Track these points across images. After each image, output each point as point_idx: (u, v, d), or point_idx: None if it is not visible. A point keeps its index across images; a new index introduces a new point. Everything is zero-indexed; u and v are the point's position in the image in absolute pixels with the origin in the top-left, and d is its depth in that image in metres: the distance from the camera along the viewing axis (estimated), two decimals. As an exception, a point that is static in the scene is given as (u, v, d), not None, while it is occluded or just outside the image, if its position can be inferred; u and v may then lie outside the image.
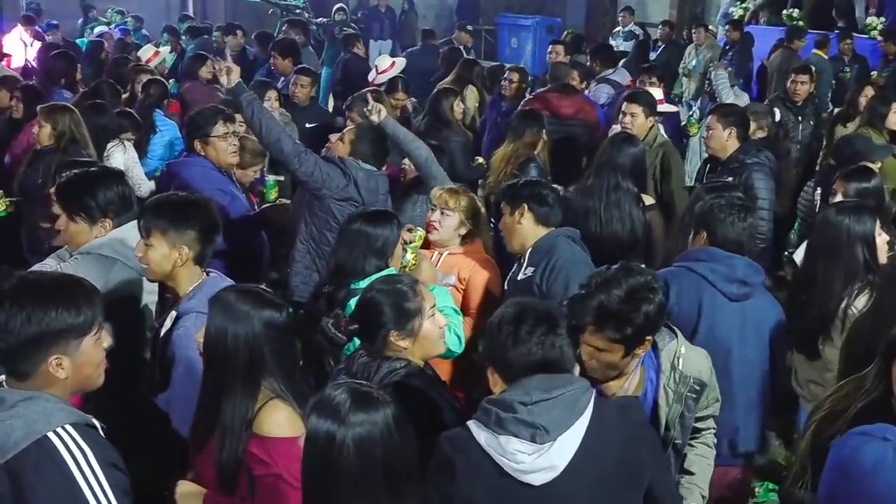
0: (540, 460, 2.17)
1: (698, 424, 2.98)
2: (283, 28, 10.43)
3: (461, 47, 10.16)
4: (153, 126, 6.39)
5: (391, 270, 3.49)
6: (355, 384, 2.19)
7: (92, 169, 3.56)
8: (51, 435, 2.04)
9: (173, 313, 3.00)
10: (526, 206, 3.74)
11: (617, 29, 14.18)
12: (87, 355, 2.18)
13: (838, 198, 4.20)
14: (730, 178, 4.82)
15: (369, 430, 2.03)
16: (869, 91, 7.04)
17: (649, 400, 2.81)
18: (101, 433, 2.18)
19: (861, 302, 3.41)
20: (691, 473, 2.97)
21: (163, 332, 3.01)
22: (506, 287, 3.95)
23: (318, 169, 4.26)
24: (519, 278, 3.78)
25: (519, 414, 2.19)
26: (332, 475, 2.03)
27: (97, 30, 12.53)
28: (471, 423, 2.27)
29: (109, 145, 5.57)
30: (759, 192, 4.86)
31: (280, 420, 2.46)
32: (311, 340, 3.60)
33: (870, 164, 4.98)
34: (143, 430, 3.07)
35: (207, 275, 3.10)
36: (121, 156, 5.58)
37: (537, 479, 2.18)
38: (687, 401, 2.82)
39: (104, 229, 3.30)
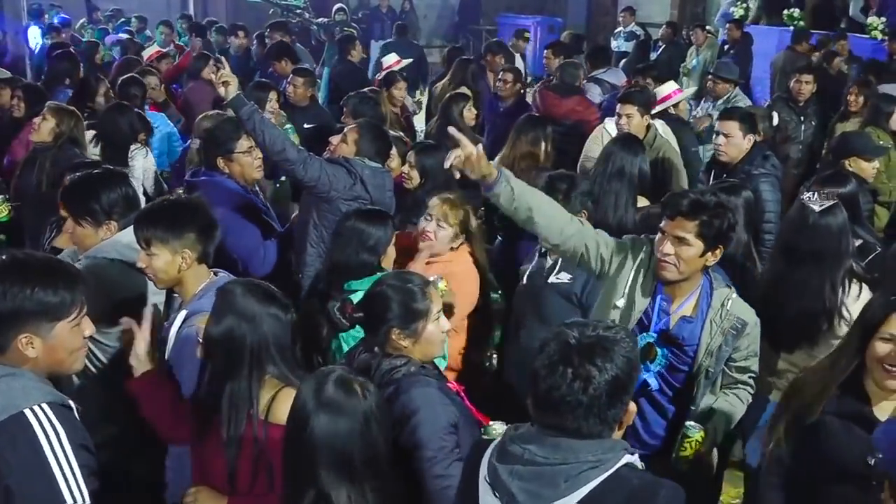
0: None
1: (735, 374, 3.29)
2: (268, 32, 10.38)
3: (517, 55, 9.86)
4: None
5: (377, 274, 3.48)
6: (348, 372, 2.33)
7: (95, 171, 3.56)
8: (27, 411, 2.09)
9: (183, 312, 3.02)
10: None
11: (618, 29, 14.18)
12: (61, 339, 2.21)
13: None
14: None
15: (336, 416, 2.19)
16: (855, 90, 7.05)
17: (698, 327, 3.19)
18: (76, 415, 2.22)
19: (854, 291, 3.50)
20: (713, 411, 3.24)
21: (172, 330, 3.03)
22: (525, 281, 3.88)
23: (323, 172, 4.22)
24: (550, 280, 3.73)
25: (503, 470, 2.05)
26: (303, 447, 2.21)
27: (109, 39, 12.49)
28: (492, 445, 2.16)
29: (133, 148, 5.60)
30: (767, 204, 4.84)
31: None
32: (307, 337, 3.63)
33: (863, 162, 5.00)
34: (150, 430, 3.08)
35: (216, 275, 3.13)
36: (142, 159, 5.64)
37: None
38: (727, 335, 3.17)
39: (110, 231, 3.31)
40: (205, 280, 3.07)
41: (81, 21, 13.91)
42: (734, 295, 3.22)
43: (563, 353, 2.01)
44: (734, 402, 3.30)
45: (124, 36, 11.95)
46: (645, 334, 3.20)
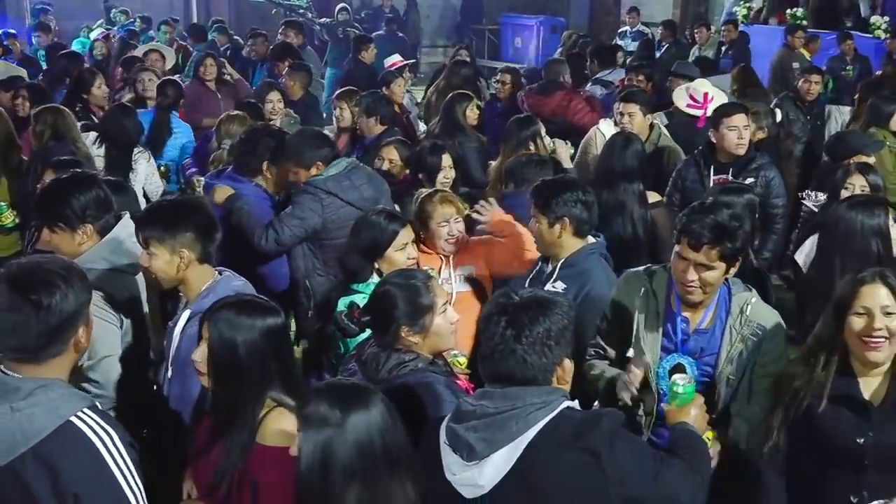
0: (467, 476, 2.21)
1: (763, 383, 3.07)
2: (281, 30, 10.44)
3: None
4: (169, 127, 6.45)
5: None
6: (338, 384, 2.32)
7: (64, 176, 3.49)
8: (74, 419, 2.08)
9: (187, 312, 3.02)
10: (567, 220, 3.57)
11: (624, 29, 14.15)
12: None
13: (856, 191, 4.20)
14: (750, 180, 4.83)
15: (367, 426, 2.13)
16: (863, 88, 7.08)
17: (717, 336, 3.13)
18: None
19: None
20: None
21: (176, 330, 3.03)
22: (527, 284, 3.77)
23: (297, 229, 4.23)
24: (546, 288, 3.58)
25: (459, 428, 2.22)
26: (330, 478, 2.11)
27: (94, 32, 12.51)
28: (448, 416, 2.32)
29: (136, 151, 5.63)
30: (775, 188, 4.96)
31: (283, 429, 2.44)
32: (315, 339, 3.63)
33: (866, 159, 5.01)
34: (152, 431, 3.08)
35: (220, 274, 3.12)
36: (145, 163, 5.67)
37: (466, 493, 2.23)
38: (747, 342, 3.10)
39: (86, 235, 3.25)
40: (209, 279, 3.07)
41: (99, 21, 13.93)
42: (754, 299, 3.16)
43: (501, 307, 2.25)
44: (758, 411, 3.15)
45: (104, 31, 11.99)
46: (675, 355, 3.14)
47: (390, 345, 2.82)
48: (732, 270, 3.08)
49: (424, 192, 4.21)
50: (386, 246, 3.55)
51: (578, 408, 2.27)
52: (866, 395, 2.68)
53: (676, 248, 3.05)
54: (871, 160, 5.07)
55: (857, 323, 2.64)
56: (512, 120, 5.60)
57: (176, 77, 9.04)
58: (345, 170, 4.37)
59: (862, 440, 2.63)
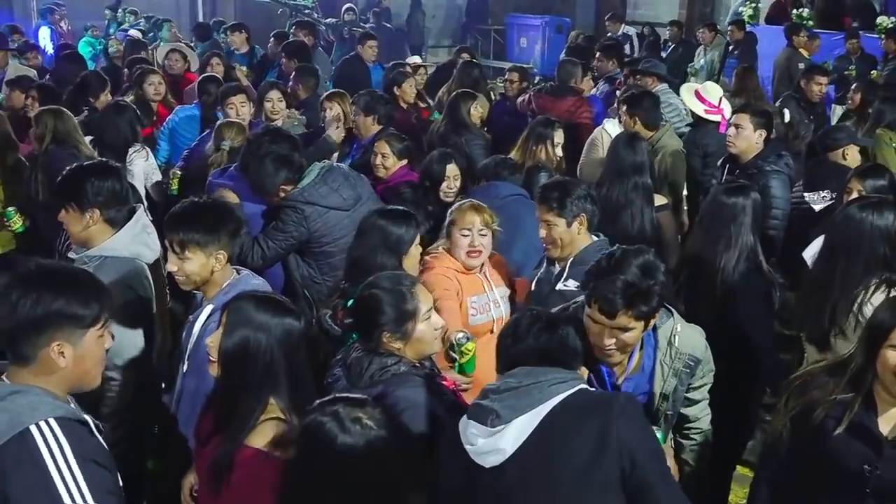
0: (490, 442, 2.32)
1: (693, 395, 3.12)
2: (293, 30, 10.48)
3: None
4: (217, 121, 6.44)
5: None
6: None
7: (87, 162, 3.62)
8: (32, 428, 2.06)
9: (209, 307, 3.04)
10: (584, 217, 3.61)
11: (608, 34, 14.12)
12: (89, 349, 2.20)
13: (853, 196, 4.13)
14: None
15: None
16: (855, 87, 7.07)
17: (646, 374, 2.98)
18: (94, 429, 2.20)
19: (878, 299, 3.29)
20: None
21: (196, 325, 3.05)
22: (532, 287, 3.80)
23: (284, 242, 4.20)
24: (558, 288, 3.60)
25: (484, 401, 2.37)
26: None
27: (131, 30, 12.51)
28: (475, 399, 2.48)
29: (131, 150, 5.58)
30: (775, 201, 4.82)
31: (268, 438, 2.39)
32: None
33: (858, 151, 5.02)
34: (165, 429, 3.10)
35: (238, 272, 3.16)
36: (142, 162, 5.61)
37: (487, 461, 2.33)
38: (681, 375, 3.01)
39: (93, 220, 3.33)
40: (229, 277, 3.11)
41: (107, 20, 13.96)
42: (679, 326, 2.99)
43: (535, 315, 2.55)
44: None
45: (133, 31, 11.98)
46: None
47: (374, 349, 2.79)
48: (652, 322, 2.87)
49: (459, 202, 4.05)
50: (410, 243, 3.53)
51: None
52: (883, 428, 2.54)
53: (587, 310, 2.81)
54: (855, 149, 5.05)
55: (892, 357, 2.46)
56: (537, 118, 5.62)
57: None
58: (318, 176, 4.30)
59: (869, 470, 2.53)
